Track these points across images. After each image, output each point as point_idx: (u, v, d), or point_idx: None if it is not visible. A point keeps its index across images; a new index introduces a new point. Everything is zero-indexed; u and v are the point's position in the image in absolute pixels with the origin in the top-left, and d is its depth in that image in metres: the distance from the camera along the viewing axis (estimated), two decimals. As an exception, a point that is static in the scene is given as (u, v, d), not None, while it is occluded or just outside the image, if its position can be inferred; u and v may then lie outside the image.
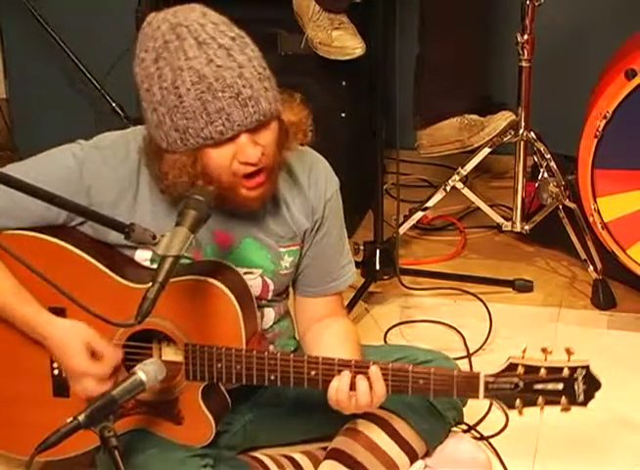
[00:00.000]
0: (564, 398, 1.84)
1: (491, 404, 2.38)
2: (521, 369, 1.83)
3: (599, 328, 2.79)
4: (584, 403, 1.86)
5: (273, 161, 1.84)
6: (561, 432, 2.34)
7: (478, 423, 2.35)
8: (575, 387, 1.83)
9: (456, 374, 1.87)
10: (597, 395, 1.85)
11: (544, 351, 1.82)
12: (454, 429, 2.18)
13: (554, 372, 1.83)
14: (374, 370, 1.86)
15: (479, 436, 2.31)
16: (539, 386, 1.84)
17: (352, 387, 1.86)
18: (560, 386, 1.84)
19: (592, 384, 1.84)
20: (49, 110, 3.77)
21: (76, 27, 3.56)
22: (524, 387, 1.84)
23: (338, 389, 1.86)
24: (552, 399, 1.84)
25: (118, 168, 1.91)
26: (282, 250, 2.03)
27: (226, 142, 1.78)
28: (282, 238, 2.02)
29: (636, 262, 2.78)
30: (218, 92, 1.74)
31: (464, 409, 2.17)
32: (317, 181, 2.03)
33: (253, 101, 1.76)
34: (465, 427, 2.29)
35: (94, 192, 1.90)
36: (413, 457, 2.09)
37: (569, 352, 1.82)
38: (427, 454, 2.13)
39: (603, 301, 2.88)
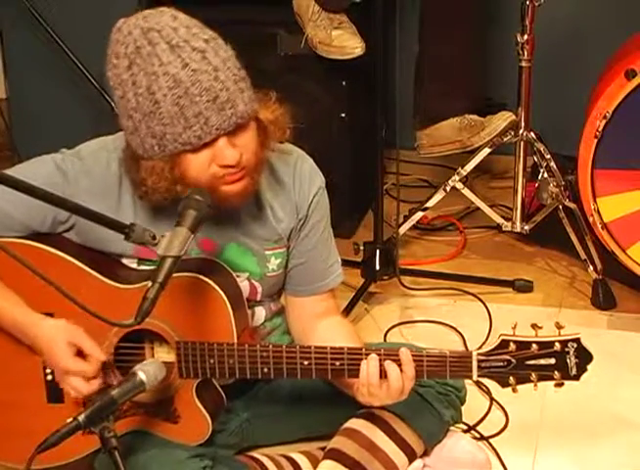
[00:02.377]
0: (556, 372, 1.84)
1: (491, 404, 2.40)
2: (512, 346, 1.83)
3: (599, 328, 2.79)
4: (577, 377, 1.85)
5: (254, 160, 1.84)
6: (560, 432, 2.34)
7: (478, 423, 2.35)
8: (568, 361, 1.83)
9: (449, 354, 1.87)
10: (589, 367, 1.84)
11: (534, 326, 1.82)
12: (453, 428, 2.18)
13: (545, 347, 1.82)
14: (404, 351, 1.85)
15: (479, 436, 2.31)
16: (532, 362, 1.83)
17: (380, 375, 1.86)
18: (552, 360, 1.83)
19: (584, 357, 1.83)
20: (49, 110, 3.77)
21: (76, 27, 3.56)
22: (516, 363, 1.83)
23: (369, 373, 1.85)
24: (545, 374, 1.84)
25: (100, 178, 1.91)
26: (268, 253, 2.02)
27: (204, 147, 1.77)
28: (267, 241, 2.01)
29: (636, 262, 2.79)
30: (196, 96, 1.72)
31: (463, 409, 2.17)
32: (301, 179, 2.02)
33: (230, 103, 1.75)
34: (465, 427, 2.29)
35: (76, 201, 1.88)
36: (412, 457, 2.08)
37: (558, 325, 1.82)
38: (425, 454, 2.13)
39: (603, 301, 2.88)
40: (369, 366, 1.85)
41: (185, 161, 1.78)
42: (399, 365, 1.85)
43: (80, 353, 1.86)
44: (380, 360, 1.85)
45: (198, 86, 1.72)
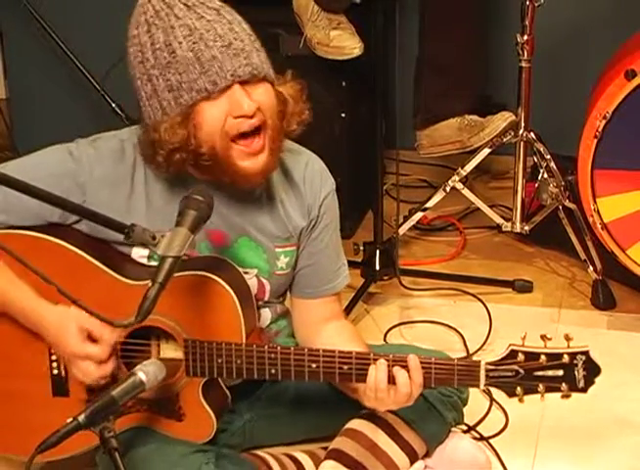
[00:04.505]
0: (564, 384, 1.83)
1: (491, 405, 2.40)
2: (521, 356, 1.83)
3: (599, 328, 2.79)
4: (584, 389, 1.84)
5: (272, 125, 1.85)
6: (560, 432, 2.34)
7: (478, 423, 2.35)
8: (576, 373, 1.83)
9: (457, 362, 1.87)
10: (597, 380, 1.84)
11: (543, 337, 1.82)
12: (454, 429, 2.18)
13: (554, 358, 1.82)
14: (413, 358, 1.85)
15: (478, 436, 2.31)
16: (540, 373, 1.83)
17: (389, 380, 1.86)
18: (560, 372, 1.83)
19: (592, 370, 1.83)
20: (49, 110, 3.78)
21: (76, 28, 3.56)
22: (524, 374, 1.83)
23: (377, 378, 1.84)
24: (552, 385, 1.84)
25: (113, 167, 1.91)
26: (278, 250, 2.02)
27: (219, 95, 1.79)
28: (278, 238, 2.01)
29: (636, 263, 2.79)
30: (210, 41, 1.78)
31: (464, 409, 2.17)
32: (313, 180, 2.02)
33: (245, 53, 1.80)
34: (465, 427, 2.29)
35: (89, 189, 1.89)
36: (413, 458, 2.08)
37: (567, 338, 1.82)
38: (427, 455, 2.13)
39: (603, 301, 2.88)
40: (378, 371, 1.85)
41: (201, 111, 1.80)
42: (408, 371, 1.85)
43: (90, 339, 1.85)
44: (388, 366, 1.85)
45: (212, 32, 1.79)
